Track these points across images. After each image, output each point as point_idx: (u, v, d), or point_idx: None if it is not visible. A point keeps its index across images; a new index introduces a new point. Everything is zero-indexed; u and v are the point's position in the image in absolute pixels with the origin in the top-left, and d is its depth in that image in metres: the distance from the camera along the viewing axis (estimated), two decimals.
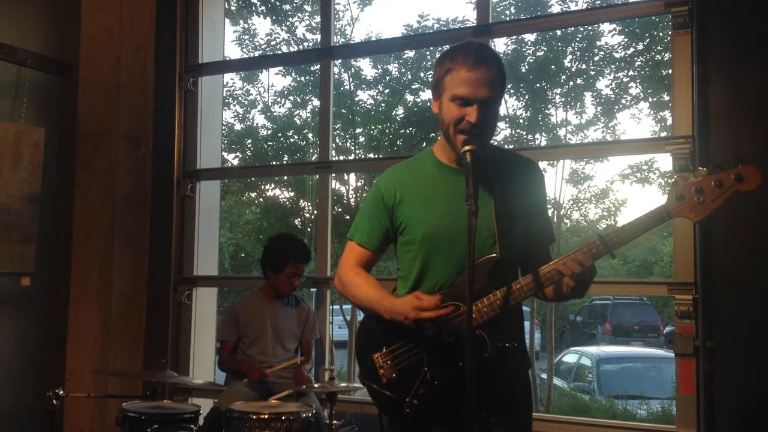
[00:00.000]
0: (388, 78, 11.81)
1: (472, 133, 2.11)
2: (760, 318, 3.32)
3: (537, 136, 11.21)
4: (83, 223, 4.91)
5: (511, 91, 10.56)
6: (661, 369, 9.78)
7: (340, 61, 10.36)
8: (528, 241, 2.25)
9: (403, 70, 11.77)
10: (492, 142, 2.31)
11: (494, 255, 2.14)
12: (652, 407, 8.85)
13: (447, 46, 2.31)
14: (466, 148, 2.07)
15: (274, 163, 12.20)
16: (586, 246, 2.06)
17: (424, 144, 11.09)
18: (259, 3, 11.66)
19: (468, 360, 1.87)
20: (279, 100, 12.77)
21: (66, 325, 4.85)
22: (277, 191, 13.06)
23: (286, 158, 12.19)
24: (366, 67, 12.04)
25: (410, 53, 11.41)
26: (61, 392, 3.57)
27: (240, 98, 13.05)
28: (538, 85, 10.79)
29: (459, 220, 2.04)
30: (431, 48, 10.81)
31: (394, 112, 11.85)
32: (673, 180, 2.05)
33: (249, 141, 12.76)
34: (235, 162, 12.56)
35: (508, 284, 2.11)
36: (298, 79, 12.17)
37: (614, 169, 26.04)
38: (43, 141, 4.60)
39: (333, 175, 4.87)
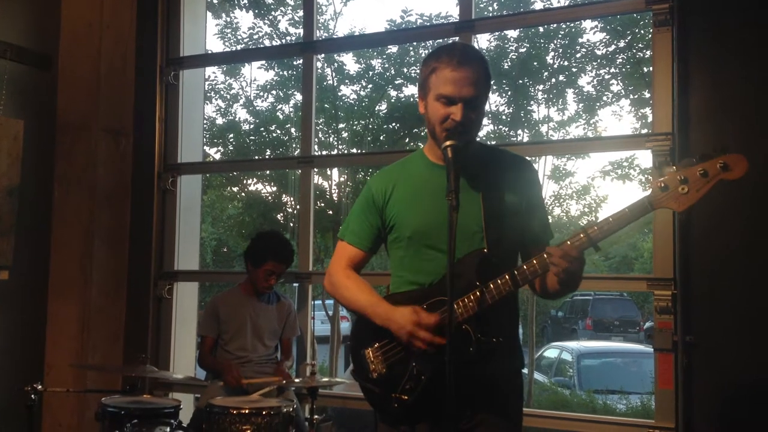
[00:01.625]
0: (371, 73, 11.80)
1: (457, 132, 2.12)
2: (738, 313, 3.35)
3: (519, 132, 11.26)
4: (62, 217, 4.87)
5: (494, 87, 10.59)
6: (640, 364, 9.86)
7: (323, 55, 10.33)
8: (524, 238, 2.26)
9: (387, 65, 11.76)
10: (477, 138, 2.32)
11: (482, 249, 2.15)
12: (631, 402, 8.93)
13: (430, 41, 2.34)
14: (447, 143, 2.09)
15: (256, 157, 12.16)
16: (570, 240, 2.06)
17: (408, 140, 11.10)
18: None
19: (447, 356, 1.88)
20: (261, 94, 12.73)
21: (45, 319, 4.81)
22: (260, 186, 13.03)
23: (268, 153, 12.14)
24: (349, 62, 12.03)
25: (393, 48, 11.40)
26: (40, 387, 3.53)
27: (222, 92, 12.99)
28: (520, 81, 10.82)
29: (446, 217, 2.05)
30: (414, 43, 10.86)
31: (377, 107, 11.84)
32: (659, 170, 2.03)
33: (231, 135, 12.71)
34: (217, 156, 12.51)
35: (495, 279, 2.12)
36: (281, 73, 12.13)
37: (595, 166, 26.30)
38: (22, 133, 4.56)
39: (315, 170, 4.87)
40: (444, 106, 2.14)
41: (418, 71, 2.31)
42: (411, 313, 2.13)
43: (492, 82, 2.29)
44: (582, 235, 2.05)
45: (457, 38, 4.32)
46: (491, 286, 2.10)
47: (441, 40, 4.67)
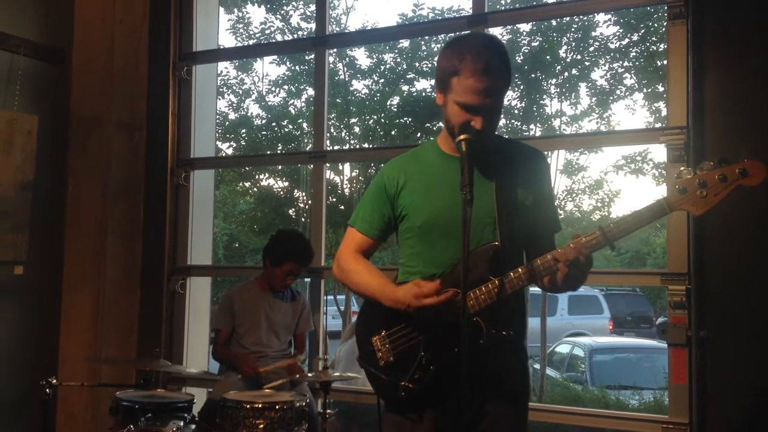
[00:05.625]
0: (383, 68, 11.79)
1: (477, 136, 2.11)
2: (753, 308, 3.33)
3: (532, 126, 11.21)
4: (76, 212, 4.89)
5: None
6: (653, 359, 9.81)
7: (335, 50, 10.32)
8: (532, 230, 2.25)
9: (398, 59, 11.74)
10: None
11: (494, 243, 2.15)
12: (644, 397, 8.87)
13: (442, 35, 2.30)
14: (462, 137, 2.09)
15: (268, 152, 12.18)
16: (586, 237, 2.06)
17: (419, 134, 11.08)
18: None
19: (463, 347, 1.88)
20: (273, 89, 12.76)
21: (59, 313, 4.83)
22: (272, 181, 13.06)
23: (280, 148, 12.17)
24: (361, 56, 12.06)
25: (405, 43, 11.40)
26: (55, 381, 3.55)
27: (234, 87, 13.03)
28: (533, 75, 10.78)
29: (458, 208, 2.03)
30: (426, 37, 10.82)
31: (389, 101, 11.83)
32: (677, 173, 2.03)
33: (243, 130, 12.74)
34: (230, 151, 12.54)
35: (507, 272, 2.11)
36: (293, 68, 12.14)
37: (608, 160, 26.06)
38: (36, 129, 4.58)
39: (328, 165, 4.86)
40: (464, 111, 2.12)
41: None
42: (412, 286, 2.14)
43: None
44: (598, 233, 2.05)
45: (469, 32, 4.29)
46: (505, 279, 2.11)
47: (453, 35, 4.64)
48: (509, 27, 10.44)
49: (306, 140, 11.66)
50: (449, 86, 2.14)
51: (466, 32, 2.28)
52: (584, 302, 14.50)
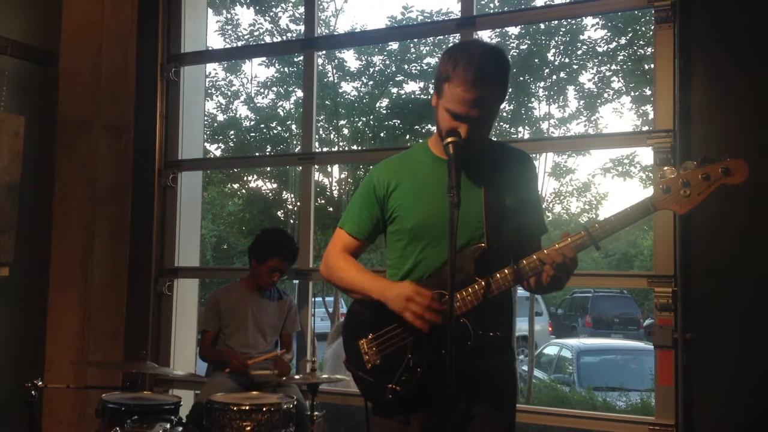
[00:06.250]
0: (372, 70, 11.79)
1: (465, 142, 2.11)
2: (739, 310, 3.36)
3: (520, 129, 11.25)
4: (63, 213, 4.87)
5: None
6: (640, 361, 9.87)
7: (323, 52, 10.31)
8: (519, 233, 2.26)
9: (387, 62, 11.75)
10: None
11: (481, 244, 2.16)
12: (631, 399, 8.92)
13: (431, 38, 2.29)
14: (449, 140, 2.09)
15: (257, 154, 12.15)
16: (571, 238, 2.07)
17: (408, 136, 11.10)
18: None
19: (449, 349, 1.88)
20: (262, 91, 12.73)
21: (46, 315, 4.81)
22: (260, 182, 13.03)
23: (269, 149, 12.15)
24: (350, 58, 12.05)
25: (394, 45, 11.41)
26: (41, 383, 3.54)
27: (223, 89, 12.99)
28: (521, 78, 10.81)
29: (448, 212, 2.03)
30: (415, 40, 10.84)
31: (377, 104, 11.84)
32: (661, 172, 2.04)
33: (232, 132, 12.71)
34: (218, 153, 12.51)
35: (493, 273, 2.12)
36: (282, 70, 12.13)
37: (596, 163, 26.24)
38: (23, 130, 4.56)
39: (316, 166, 4.86)
40: (452, 118, 2.12)
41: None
42: (409, 283, 2.15)
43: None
44: (583, 233, 2.06)
45: (458, 35, 4.31)
46: (491, 280, 2.11)
47: (442, 38, 4.66)
48: (498, 30, 10.48)
49: (294, 142, 11.65)
50: (442, 91, 2.15)
51: (471, 39, 2.28)
52: (523, 304, 14.52)
